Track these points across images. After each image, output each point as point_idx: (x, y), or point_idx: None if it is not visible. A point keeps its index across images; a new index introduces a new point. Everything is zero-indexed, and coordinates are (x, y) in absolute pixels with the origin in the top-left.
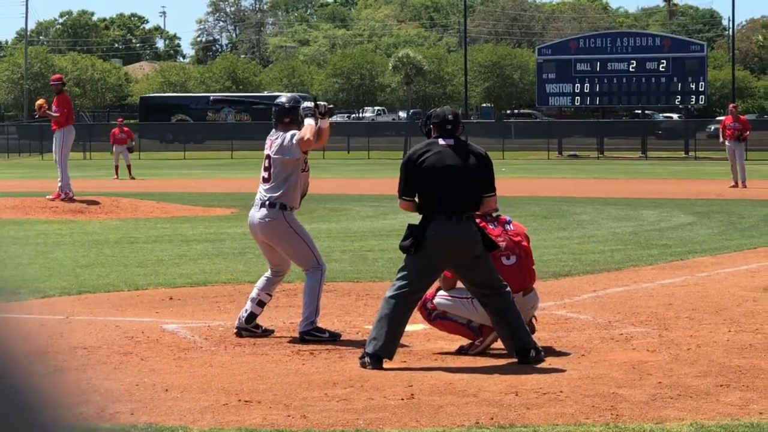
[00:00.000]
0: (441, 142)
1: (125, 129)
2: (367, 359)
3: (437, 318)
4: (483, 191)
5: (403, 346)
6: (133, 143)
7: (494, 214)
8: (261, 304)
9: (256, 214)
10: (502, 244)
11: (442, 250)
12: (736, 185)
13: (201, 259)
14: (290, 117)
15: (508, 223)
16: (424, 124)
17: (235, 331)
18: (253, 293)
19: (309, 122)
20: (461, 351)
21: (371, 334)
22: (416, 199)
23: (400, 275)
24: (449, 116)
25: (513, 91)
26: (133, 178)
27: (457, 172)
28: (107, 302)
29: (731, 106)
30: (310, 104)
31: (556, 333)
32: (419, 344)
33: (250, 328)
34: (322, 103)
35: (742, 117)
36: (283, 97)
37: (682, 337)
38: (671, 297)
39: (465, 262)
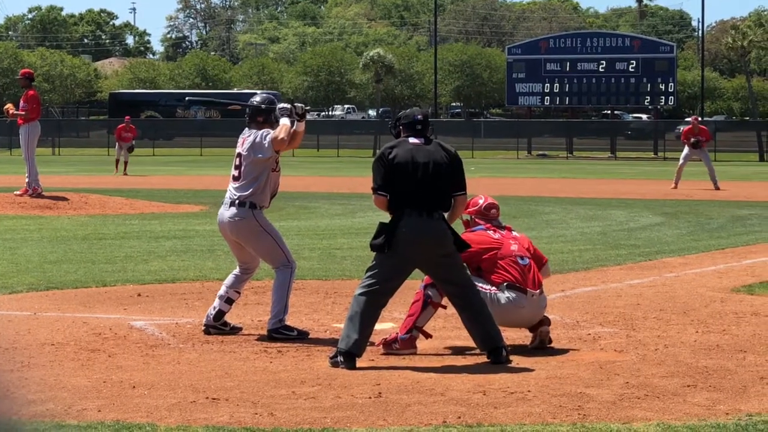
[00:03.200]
0: (411, 140)
1: (131, 126)
2: (339, 358)
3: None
4: (454, 190)
5: (372, 344)
6: (134, 143)
7: (496, 220)
8: (229, 301)
9: (226, 213)
10: (515, 247)
11: (414, 247)
12: (676, 187)
13: (169, 256)
14: (264, 116)
15: (512, 230)
16: (393, 126)
17: (203, 328)
18: (222, 291)
19: (284, 122)
20: (384, 343)
21: (343, 332)
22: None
23: (370, 273)
24: (418, 116)
25: (483, 90)
26: (125, 174)
27: (427, 168)
28: (75, 298)
29: (693, 118)
30: (286, 105)
31: (524, 332)
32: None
33: (218, 326)
34: (299, 105)
35: (702, 127)
36: (258, 97)
37: (650, 337)
38: (639, 297)
39: (435, 260)
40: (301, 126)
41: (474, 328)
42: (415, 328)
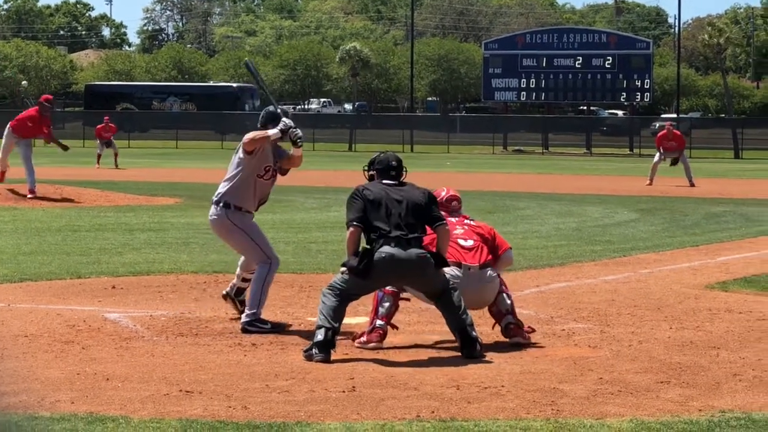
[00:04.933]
0: (384, 182)
1: (111, 126)
2: (314, 350)
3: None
4: (432, 223)
5: (346, 336)
6: (113, 139)
7: (457, 212)
8: (246, 281)
9: (209, 211)
10: (459, 231)
11: (390, 275)
12: (650, 184)
13: (144, 249)
14: (274, 125)
15: (470, 219)
16: (367, 169)
17: (223, 293)
18: (238, 271)
19: (270, 131)
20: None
21: (317, 325)
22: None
23: (342, 279)
24: (393, 162)
25: (459, 85)
26: (117, 167)
27: (401, 203)
28: (49, 290)
29: (667, 124)
30: (286, 124)
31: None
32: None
33: (236, 300)
34: (294, 132)
35: (677, 132)
36: (272, 107)
37: (624, 333)
38: (613, 293)
39: (413, 280)
40: (297, 151)
41: (446, 314)
42: (379, 320)
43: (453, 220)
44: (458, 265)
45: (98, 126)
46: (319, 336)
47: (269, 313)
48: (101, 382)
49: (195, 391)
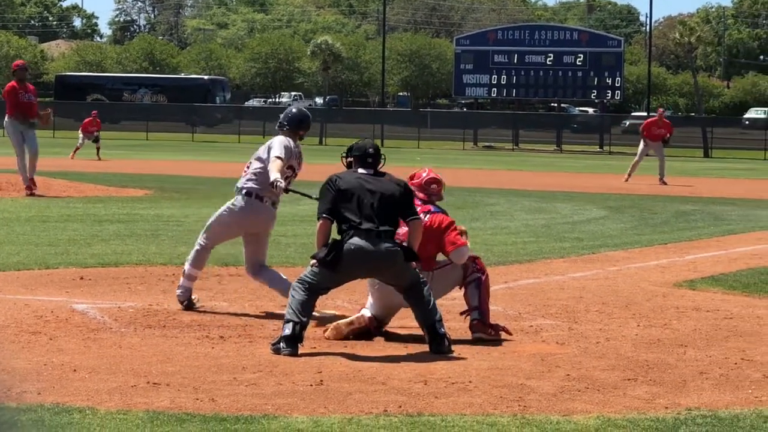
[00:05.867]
0: (360, 171)
1: (98, 121)
2: (282, 344)
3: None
4: (405, 217)
5: (320, 325)
6: (97, 134)
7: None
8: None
9: (262, 207)
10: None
11: (359, 268)
12: (627, 180)
13: (113, 240)
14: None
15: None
16: (345, 156)
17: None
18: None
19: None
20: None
21: (285, 318)
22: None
23: (311, 272)
24: (370, 150)
25: (430, 80)
26: (99, 159)
27: (375, 195)
28: (17, 280)
29: (660, 110)
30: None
31: (466, 323)
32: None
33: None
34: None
35: (666, 121)
36: (299, 112)
37: (592, 330)
38: (582, 290)
39: (383, 273)
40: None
41: (416, 308)
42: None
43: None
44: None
45: (86, 120)
46: (287, 330)
47: (237, 306)
48: (68, 373)
49: (162, 383)
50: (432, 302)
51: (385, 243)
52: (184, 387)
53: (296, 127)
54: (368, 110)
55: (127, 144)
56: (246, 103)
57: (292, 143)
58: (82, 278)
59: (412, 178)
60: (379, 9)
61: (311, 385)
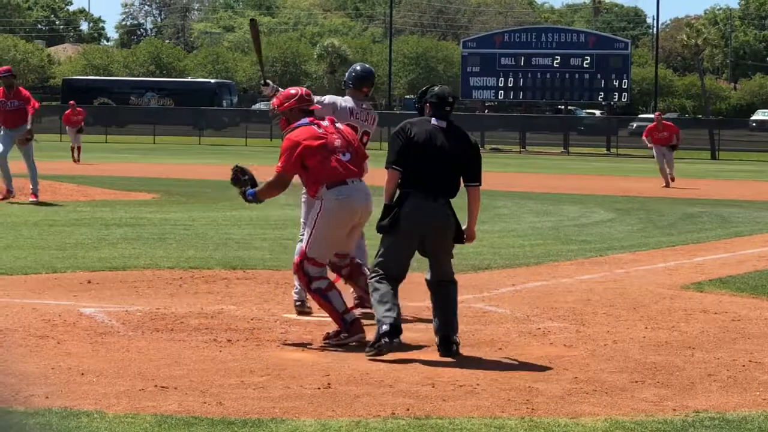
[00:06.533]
0: (434, 122)
1: (78, 109)
2: (384, 339)
3: (317, 293)
4: (468, 180)
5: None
6: (83, 125)
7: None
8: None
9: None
10: (338, 143)
11: (418, 226)
12: (667, 185)
13: (120, 244)
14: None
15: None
16: (417, 101)
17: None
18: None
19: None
20: (326, 337)
21: (378, 316)
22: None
23: (380, 257)
24: (449, 98)
25: (437, 83)
26: (77, 162)
27: (444, 154)
28: (24, 285)
29: (656, 114)
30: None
31: (474, 326)
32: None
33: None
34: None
35: (667, 123)
36: (361, 67)
37: (599, 332)
38: (589, 293)
39: (432, 247)
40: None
41: (438, 312)
42: (345, 314)
43: (325, 125)
44: (341, 183)
45: (66, 112)
46: (384, 327)
47: (245, 309)
48: (76, 377)
49: (170, 387)
50: (455, 305)
51: (441, 206)
52: (191, 390)
53: (359, 83)
54: (375, 113)
55: (134, 147)
56: (253, 106)
57: (349, 101)
58: (89, 282)
59: (280, 100)
60: (386, 12)
61: (319, 389)
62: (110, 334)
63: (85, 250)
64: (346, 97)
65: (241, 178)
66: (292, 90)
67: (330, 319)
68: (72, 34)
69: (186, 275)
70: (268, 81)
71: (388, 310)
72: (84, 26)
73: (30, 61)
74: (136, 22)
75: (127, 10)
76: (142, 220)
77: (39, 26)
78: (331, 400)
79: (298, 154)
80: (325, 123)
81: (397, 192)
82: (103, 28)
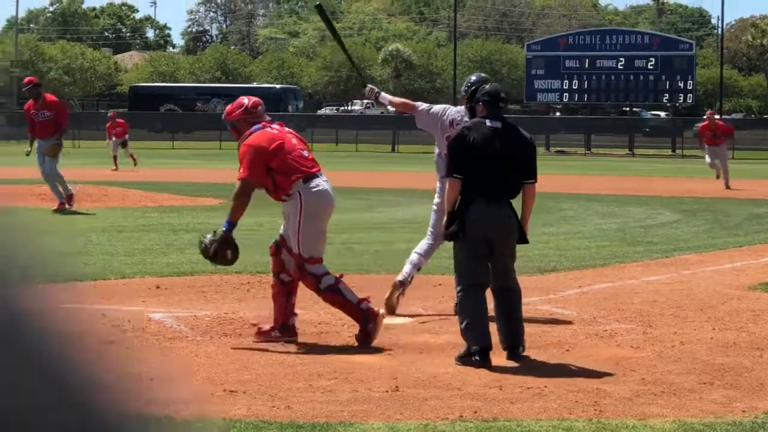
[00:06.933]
0: (488, 123)
1: (119, 121)
2: (476, 357)
3: (328, 290)
4: (525, 177)
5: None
6: (127, 137)
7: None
8: (418, 268)
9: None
10: (295, 141)
11: (484, 231)
12: (718, 177)
13: (188, 249)
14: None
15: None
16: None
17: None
18: (414, 257)
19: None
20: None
21: (467, 334)
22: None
23: (457, 269)
24: (502, 95)
25: (502, 86)
26: (115, 169)
27: (503, 156)
28: (93, 291)
29: (708, 113)
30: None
31: (540, 328)
32: (405, 337)
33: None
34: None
35: (719, 123)
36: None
37: (667, 334)
38: (656, 294)
39: (499, 249)
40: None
41: (502, 321)
42: (360, 304)
43: (276, 127)
44: (314, 176)
45: (107, 125)
46: (474, 346)
47: (312, 313)
48: (145, 382)
49: (239, 391)
50: (519, 312)
51: (504, 207)
52: (260, 394)
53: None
54: None
55: (200, 153)
56: (318, 111)
57: (451, 111)
58: (158, 287)
59: (230, 111)
60: (450, 16)
61: (387, 392)
62: (179, 339)
63: (154, 256)
64: (460, 108)
65: (209, 244)
66: (244, 100)
67: (343, 313)
68: (138, 41)
69: (254, 280)
70: (366, 83)
71: (476, 328)
72: (150, 34)
73: (97, 69)
74: (201, 28)
75: (192, 17)
76: (210, 225)
77: (106, 34)
78: (399, 403)
79: (260, 158)
80: (276, 126)
81: (459, 198)
82: (169, 35)
